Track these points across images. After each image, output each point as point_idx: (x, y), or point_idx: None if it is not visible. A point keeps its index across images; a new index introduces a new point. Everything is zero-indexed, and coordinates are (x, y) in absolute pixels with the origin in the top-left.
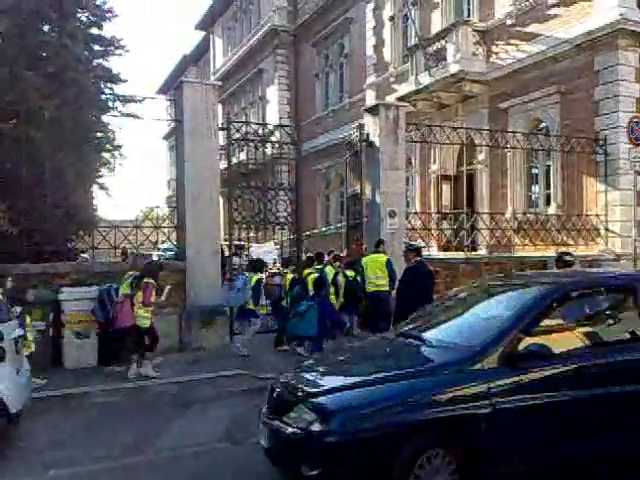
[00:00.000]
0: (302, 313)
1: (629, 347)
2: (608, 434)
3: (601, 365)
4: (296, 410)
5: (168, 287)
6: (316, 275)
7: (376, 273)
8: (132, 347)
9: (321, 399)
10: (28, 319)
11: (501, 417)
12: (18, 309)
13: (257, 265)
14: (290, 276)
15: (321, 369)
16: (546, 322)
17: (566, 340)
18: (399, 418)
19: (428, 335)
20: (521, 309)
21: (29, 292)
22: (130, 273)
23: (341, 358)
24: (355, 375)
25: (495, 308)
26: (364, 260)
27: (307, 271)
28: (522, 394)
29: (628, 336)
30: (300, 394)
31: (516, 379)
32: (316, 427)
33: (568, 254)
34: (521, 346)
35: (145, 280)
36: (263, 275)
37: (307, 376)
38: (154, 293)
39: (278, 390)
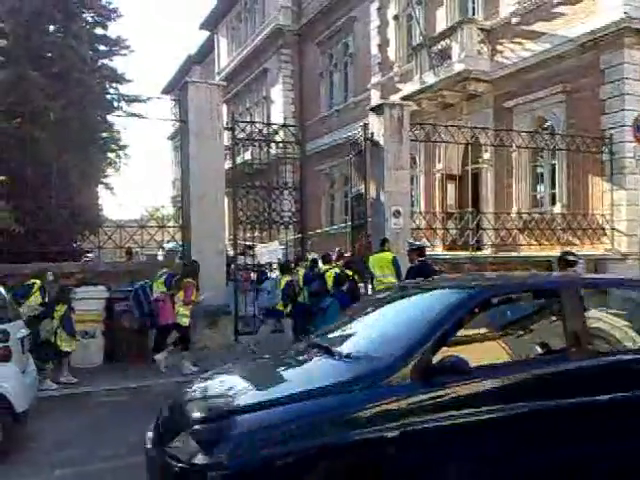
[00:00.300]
0: (324, 309)
1: (553, 358)
2: (532, 453)
3: (526, 379)
4: (179, 438)
5: (207, 292)
6: (334, 272)
7: (383, 271)
8: (166, 343)
9: (207, 426)
10: (74, 316)
11: (412, 440)
12: (63, 308)
13: (285, 267)
14: (302, 272)
15: (212, 388)
16: (466, 331)
17: (487, 351)
18: (296, 447)
19: (340, 345)
20: (438, 316)
21: (73, 290)
22: (163, 270)
23: (238, 374)
24: (250, 396)
25: (411, 315)
26: (370, 259)
27: (325, 267)
28: (436, 413)
29: (553, 346)
30: (185, 418)
31: (430, 396)
32: (199, 459)
33: (571, 254)
34: (437, 358)
35: (186, 280)
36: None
37: (195, 397)
38: (194, 292)
39: (165, 413)
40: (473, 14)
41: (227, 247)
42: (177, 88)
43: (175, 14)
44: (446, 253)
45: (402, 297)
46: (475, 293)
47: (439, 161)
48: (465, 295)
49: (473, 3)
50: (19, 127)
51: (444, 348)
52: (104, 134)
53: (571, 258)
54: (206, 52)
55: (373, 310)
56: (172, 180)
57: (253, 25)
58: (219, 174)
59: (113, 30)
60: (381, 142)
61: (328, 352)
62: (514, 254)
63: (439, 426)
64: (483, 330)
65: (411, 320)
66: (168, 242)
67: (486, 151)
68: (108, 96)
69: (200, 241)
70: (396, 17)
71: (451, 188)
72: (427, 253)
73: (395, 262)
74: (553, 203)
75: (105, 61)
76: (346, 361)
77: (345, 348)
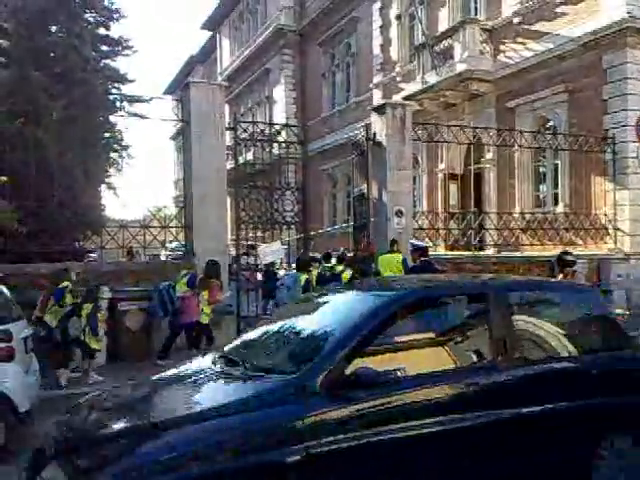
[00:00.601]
0: None
1: (477, 368)
2: (454, 472)
3: (447, 390)
4: (49, 468)
5: (229, 292)
6: (349, 273)
7: (393, 271)
8: (193, 342)
9: (79, 454)
10: (100, 315)
11: (318, 464)
12: (90, 306)
13: (303, 265)
14: (315, 272)
15: (94, 410)
16: (385, 338)
17: (408, 360)
18: (185, 476)
19: (249, 357)
20: (353, 324)
21: (102, 289)
22: (185, 272)
23: (128, 392)
24: (131, 418)
25: (327, 321)
26: (380, 259)
27: (340, 268)
28: (346, 431)
29: (478, 354)
30: (59, 444)
31: (340, 412)
32: None
33: (568, 253)
34: (350, 370)
35: (211, 280)
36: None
37: (70, 423)
38: (219, 291)
39: (45, 436)
40: (475, 14)
41: (230, 247)
42: (179, 88)
43: (176, 15)
44: (448, 253)
45: (323, 302)
46: (394, 297)
47: (441, 161)
48: (384, 299)
49: (475, 3)
50: (22, 127)
51: (360, 358)
52: (106, 134)
53: (569, 258)
54: (208, 52)
55: (291, 317)
56: (175, 180)
57: (255, 25)
58: (221, 174)
59: (115, 31)
60: (383, 142)
61: (235, 365)
62: (517, 254)
63: (348, 446)
64: (404, 337)
65: (326, 328)
66: (171, 242)
67: (488, 151)
68: (110, 96)
69: (202, 241)
70: (398, 17)
71: (453, 188)
72: (431, 253)
73: (405, 263)
74: (556, 203)
75: (107, 61)
76: (251, 375)
77: (253, 360)
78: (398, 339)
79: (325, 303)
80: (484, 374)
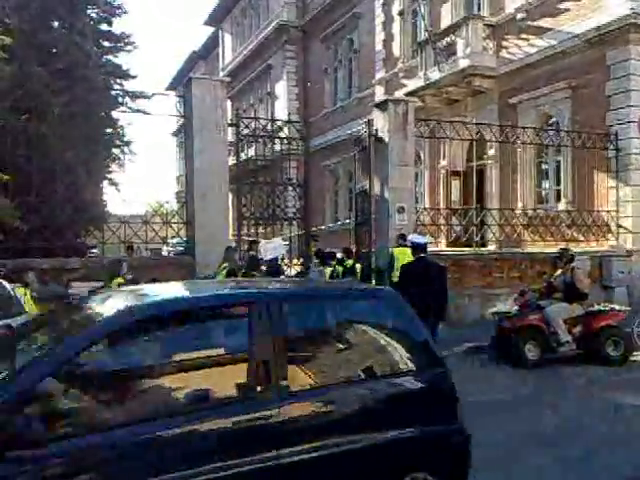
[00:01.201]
0: None
1: (231, 403)
2: None
3: (184, 439)
4: None
5: None
6: (358, 267)
7: None
8: None
9: None
10: None
11: None
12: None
13: (325, 258)
14: (341, 267)
15: None
16: (102, 373)
17: (128, 400)
18: None
19: None
20: (42, 357)
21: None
22: (225, 265)
23: None
24: None
25: (27, 354)
26: (396, 252)
27: (350, 262)
28: None
29: (233, 385)
30: None
31: None
32: None
33: (567, 250)
34: (21, 423)
35: (252, 273)
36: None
37: None
38: None
39: None
40: (478, 10)
41: (232, 243)
42: (181, 84)
43: (178, 11)
44: (450, 249)
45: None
46: (107, 319)
47: (443, 157)
48: (96, 327)
49: None
50: (26, 123)
51: (54, 404)
52: (108, 130)
53: (568, 254)
54: (210, 48)
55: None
56: (177, 176)
57: (257, 21)
58: (223, 170)
59: (117, 26)
60: (385, 138)
61: None
62: (518, 250)
63: None
64: (128, 371)
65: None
66: (172, 238)
67: (491, 147)
68: (112, 92)
69: (204, 237)
70: (401, 13)
71: (455, 184)
72: (433, 249)
73: None
74: (558, 199)
75: (109, 57)
76: None
77: None
78: (120, 371)
79: (40, 327)
80: (239, 410)
